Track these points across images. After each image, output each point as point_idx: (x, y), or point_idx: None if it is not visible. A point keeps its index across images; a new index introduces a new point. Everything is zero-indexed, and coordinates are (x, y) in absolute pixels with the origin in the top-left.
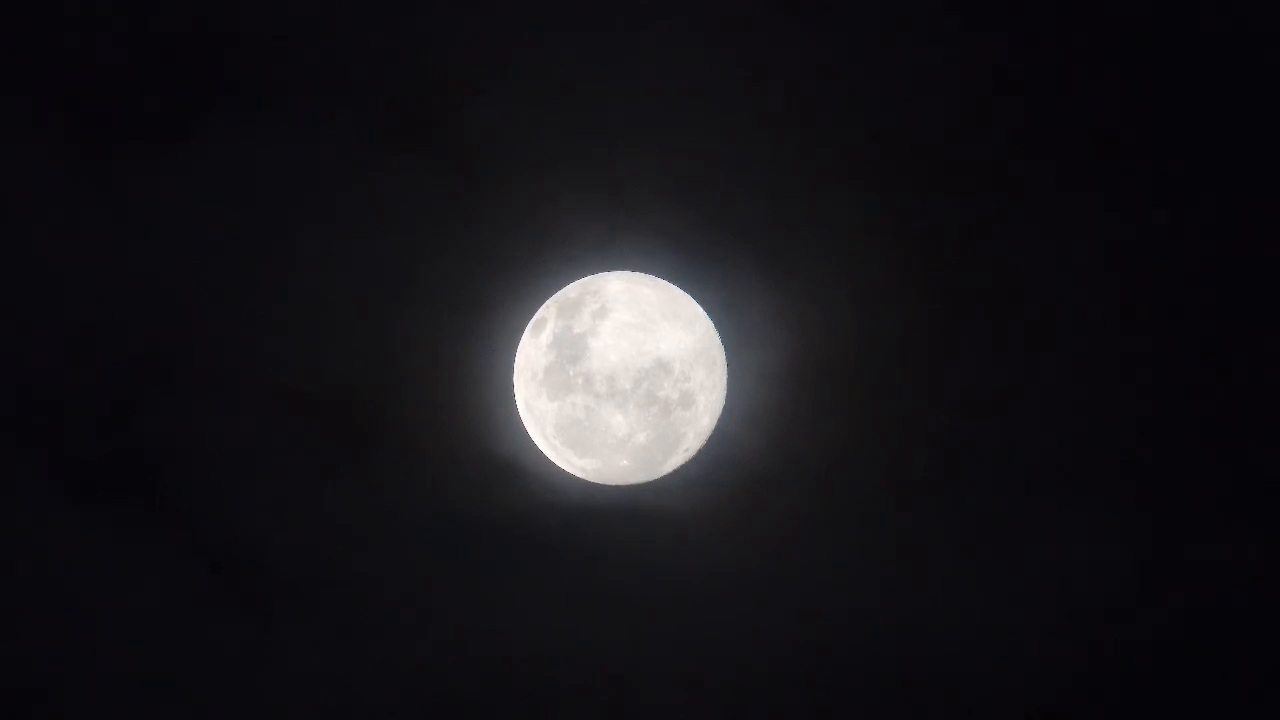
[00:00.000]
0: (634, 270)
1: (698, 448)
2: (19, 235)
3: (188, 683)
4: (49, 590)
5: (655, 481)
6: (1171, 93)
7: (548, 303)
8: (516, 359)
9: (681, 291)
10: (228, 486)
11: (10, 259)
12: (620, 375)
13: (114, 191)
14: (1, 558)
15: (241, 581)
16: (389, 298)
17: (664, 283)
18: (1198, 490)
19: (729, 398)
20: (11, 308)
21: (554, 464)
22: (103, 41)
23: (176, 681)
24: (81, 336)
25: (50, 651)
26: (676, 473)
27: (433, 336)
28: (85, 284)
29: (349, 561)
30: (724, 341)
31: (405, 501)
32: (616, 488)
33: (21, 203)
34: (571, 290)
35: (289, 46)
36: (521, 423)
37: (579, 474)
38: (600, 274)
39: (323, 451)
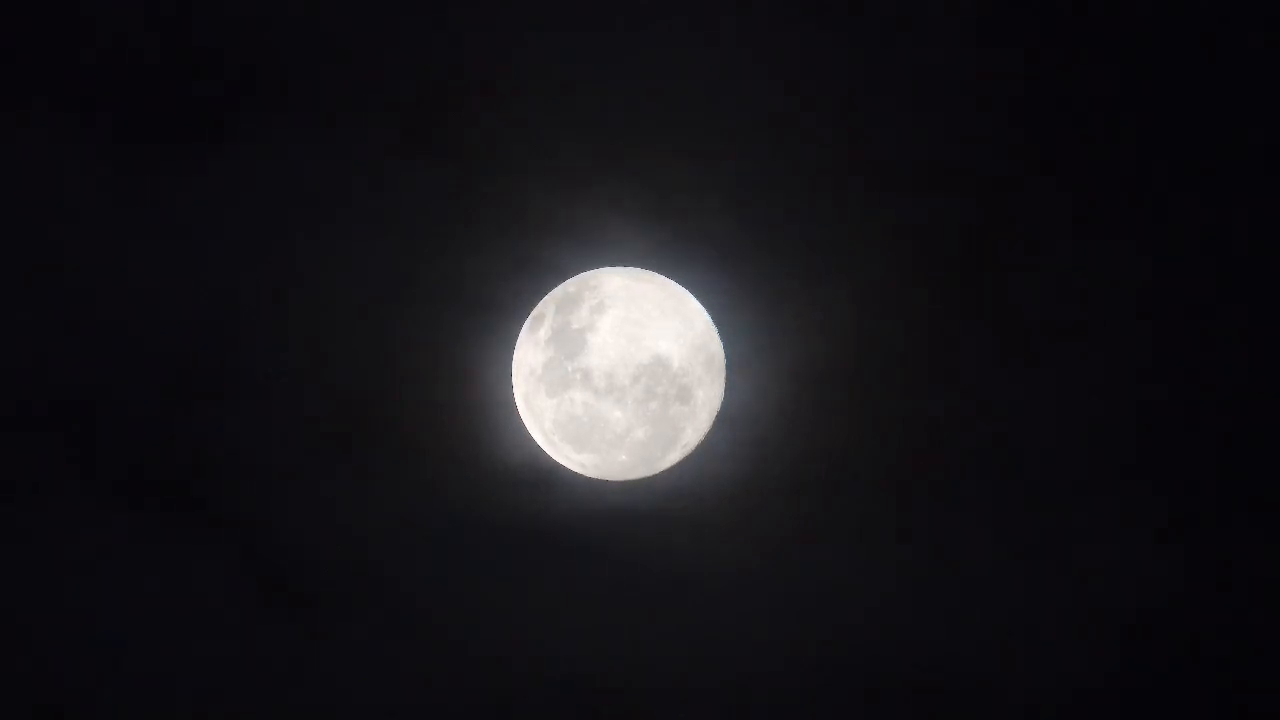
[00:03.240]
0: (633, 266)
1: (696, 443)
2: (64, 244)
3: (222, 683)
4: (91, 594)
5: (654, 477)
6: (1177, 96)
7: (546, 298)
8: (515, 355)
9: (680, 287)
10: (258, 491)
11: (54, 267)
12: (619, 371)
13: (156, 198)
14: (45, 562)
15: (268, 584)
16: (387, 295)
17: (662, 278)
18: (1205, 488)
19: (727, 394)
20: (53, 315)
21: (552, 459)
22: (141, 51)
23: (212, 682)
24: (124, 343)
25: (92, 655)
26: (675, 468)
27: (430, 333)
28: (126, 291)
29: (351, 562)
30: (722, 337)
31: (402, 499)
32: (615, 483)
33: (64, 211)
34: (570, 286)
35: (289, 49)
36: (520, 419)
37: (577, 469)
38: (599, 269)
39: (323, 452)
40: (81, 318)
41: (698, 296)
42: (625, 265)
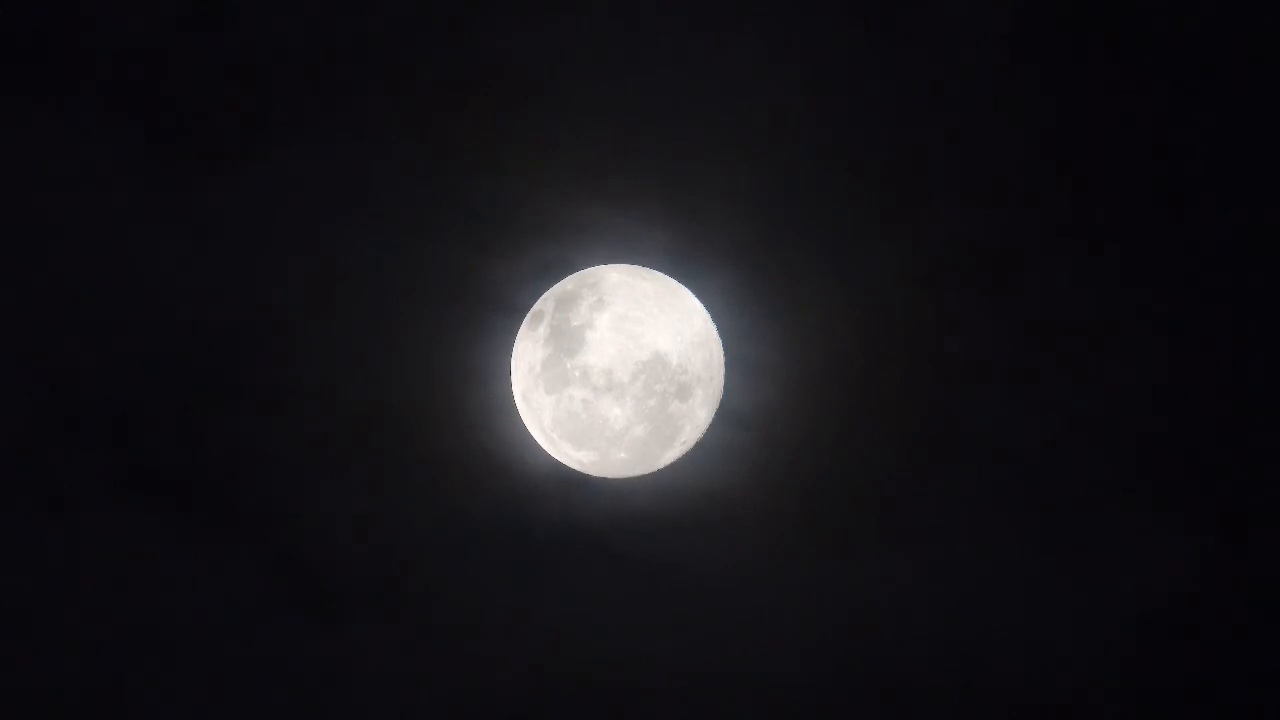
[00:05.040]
0: (632, 263)
1: (695, 440)
2: (95, 248)
3: (234, 683)
4: (118, 595)
5: (652, 474)
6: (1186, 98)
7: (545, 295)
8: (514, 352)
9: (679, 284)
10: (263, 492)
11: (85, 272)
12: (618, 368)
13: (172, 205)
14: (72, 563)
15: (267, 584)
16: (387, 292)
17: (662, 275)
18: (1212, 489)
19: (726, 391)
20: (84, 317)
21: (551, 457)
22: (161, 60)
23: (226, 682)
24: (150, 345)
25: (118, 656)
26: (673, 465)
27: (429, 330)
28: (156, 294)
29: (351, 560)
30: (721, 334)
31: (400, 498)
32: (614, 481)
33: (97, 216)
34: (569, 283)
35: (288, 52)
36: (519, 416)
37: (576, 467)
38: (598, 266)
39: (324, 452)
40: (143, 327)
41: (696, 293)
42: (624, 262)
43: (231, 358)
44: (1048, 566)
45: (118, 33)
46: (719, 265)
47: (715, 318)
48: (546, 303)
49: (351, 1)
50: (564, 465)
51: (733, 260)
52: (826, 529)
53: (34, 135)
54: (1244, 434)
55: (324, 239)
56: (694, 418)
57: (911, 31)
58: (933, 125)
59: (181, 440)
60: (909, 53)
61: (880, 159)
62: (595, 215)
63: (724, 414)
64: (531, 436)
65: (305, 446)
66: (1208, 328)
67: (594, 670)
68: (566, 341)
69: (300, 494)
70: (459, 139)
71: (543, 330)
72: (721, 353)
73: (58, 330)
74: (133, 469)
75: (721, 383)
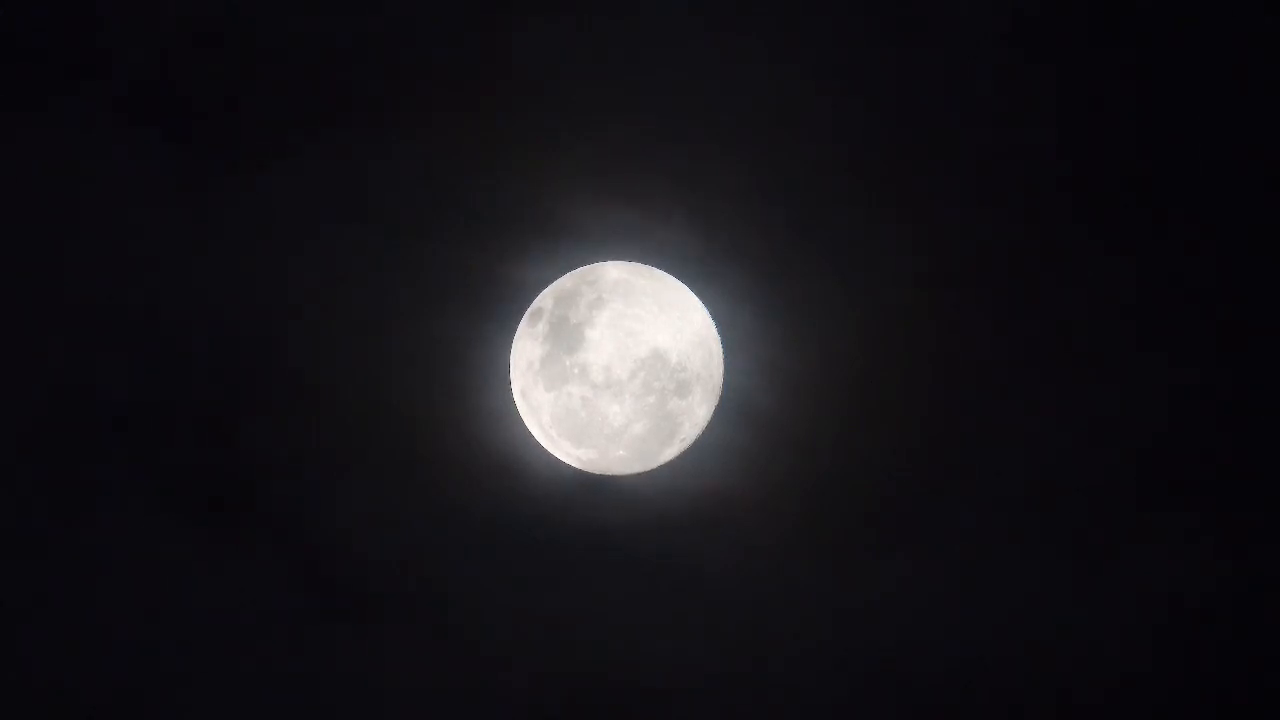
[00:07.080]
0: (631, 260)
1: (694, 438)
2: (119, 252)
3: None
4: (145, 599)
5: (651, 472)
6: (1187, 98)
7: (544, 292)
8: (513, 349)
9: (678, 282)
10: (266, 494)
11: (109, 276)
12: (616, 365)
13: (188, 207)
14: (98, 568)
15: (287, 587)
16: (386, 289)
17: (661, 273)
18: (1213, 491)
19: (726, 389)
20: (109, 322)
21: (550, 454)
22: (178, 64)
23: (256, 684)
24: (154, 348)
25: (143, 659)
26: (672, 463)
27: (426, 329)
28: (179, 298)
29: (351, 559)
30: (720, 332)
31: (399, 495)
32: (613, 478)
33: (120, 218)
34: (568, 280)
35: (289, 51)
36: (518, 413)
37: (575, 464)
38: (597, 264)
39: (322, 451)
40: (169, 332)
41: (696, 291)
42: (623, 259)
43: (232, 360)
44: (1049, 567)
45: (121, 35)
46: (719, 263)
47: (715, 316)
48: (545, 299)
49: (352, 1)
50: (563, 463)
51: (733, 259)
52: (826, 529)
53: (42, 138)
54: (1248, 433)
55: (324, 239)
56: (693, 415)
57: (912, 32)
58: (934, 125)
59: (186, 442)
60: (910, 53)
61: (880, 159)
62: (595, 214)
63: (724, 412)
64: (531, 434)
65: (305, 448)
66: (1209, 328)
67: (594, 669)
68: (565, 338)
69: (301, 495)
70: (459, 139)
71: (541, 327)
72: (721, 350)
73: (70, 333)
74: (134, 470)
75: (720, 380)
